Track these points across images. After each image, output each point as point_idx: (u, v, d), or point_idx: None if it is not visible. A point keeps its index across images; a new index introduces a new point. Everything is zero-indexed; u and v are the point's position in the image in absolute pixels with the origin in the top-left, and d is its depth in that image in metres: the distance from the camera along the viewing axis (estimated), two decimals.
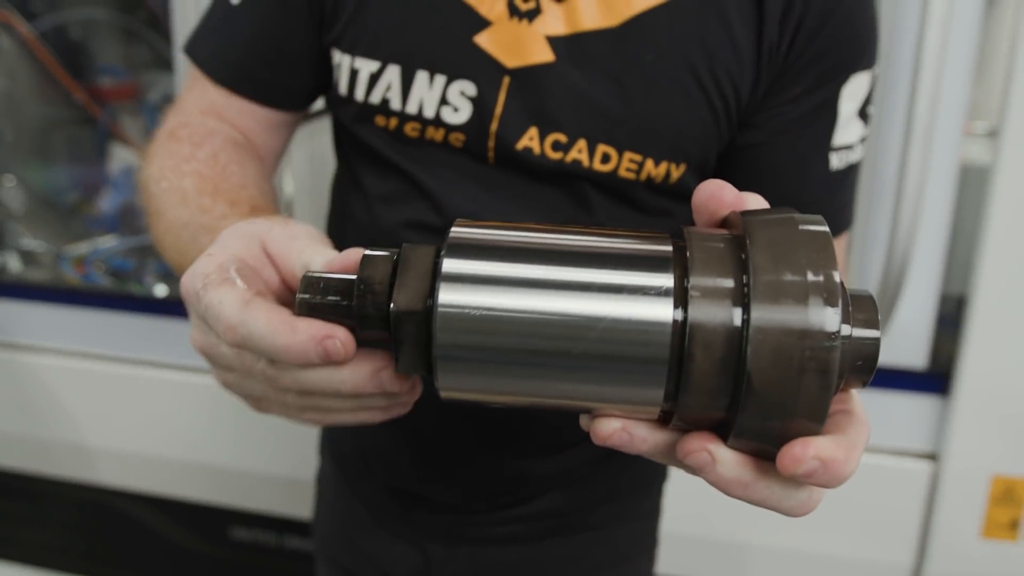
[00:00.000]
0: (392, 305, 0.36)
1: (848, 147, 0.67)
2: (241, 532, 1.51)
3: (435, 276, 0.36)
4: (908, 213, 1.08)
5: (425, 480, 0.76)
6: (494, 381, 0.35)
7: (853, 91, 0.65)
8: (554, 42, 0.61)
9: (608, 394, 0.34)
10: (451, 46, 0.62)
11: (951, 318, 1.18)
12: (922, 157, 1.06)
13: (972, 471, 1.17)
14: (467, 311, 0.34)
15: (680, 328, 0.32)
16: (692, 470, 0.35)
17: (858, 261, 1.16)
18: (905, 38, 1.08)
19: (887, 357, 1.18)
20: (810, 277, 0.31)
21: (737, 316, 0.32)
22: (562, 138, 0.62)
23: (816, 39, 0.62)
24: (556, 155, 0.63)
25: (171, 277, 1.58)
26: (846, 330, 0.33)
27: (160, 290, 1.53)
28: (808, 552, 1.26)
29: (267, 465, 1.43)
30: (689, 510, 1.31)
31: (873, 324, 0.35)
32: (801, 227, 0.33)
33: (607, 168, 0.63)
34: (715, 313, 0.32)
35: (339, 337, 0.38)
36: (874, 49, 0.66)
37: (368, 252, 0.37)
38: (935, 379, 1.18)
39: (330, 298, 0.38)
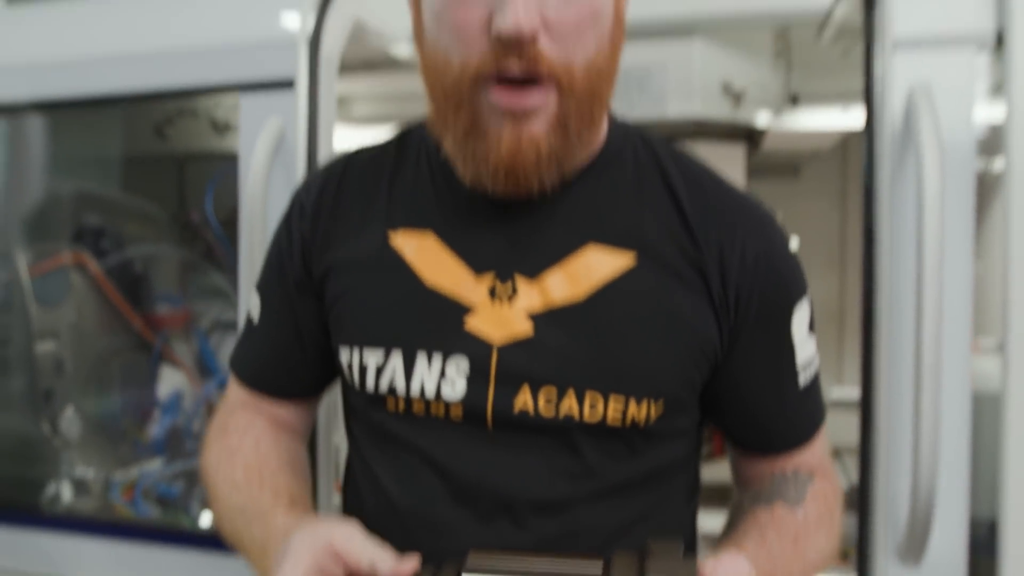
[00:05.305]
0: None
1: (809, 363, 0.80)
2: None
3: None
4: (928, 442, 1.12)
5: None
6: None
7: (799, 319, 0.78)
8: (533, 317, 0.73)
9: None
10: (445, 331, 0.74)
11: (985, 544, 1.18)
12: (934, 384, 1.11)
13: None
14: None
15: None
16: None
17: (885, 496, 1.18)
18: (905, 271, 1.16)
19: None
20: None
21: None
22: (552, 392, 0.72)
23: (754, 295, 0.75)
24: (549, 410, 0.72)
25: None
26: None
27: (206, 518, 1.57)
28: None
29: None
30: None
31: None
32: (682, 561, 0.54)
33: (595, 415, 0.72)
34: None
35: None
36: (803, 281, 0.80)
37: None
38: None
39: None
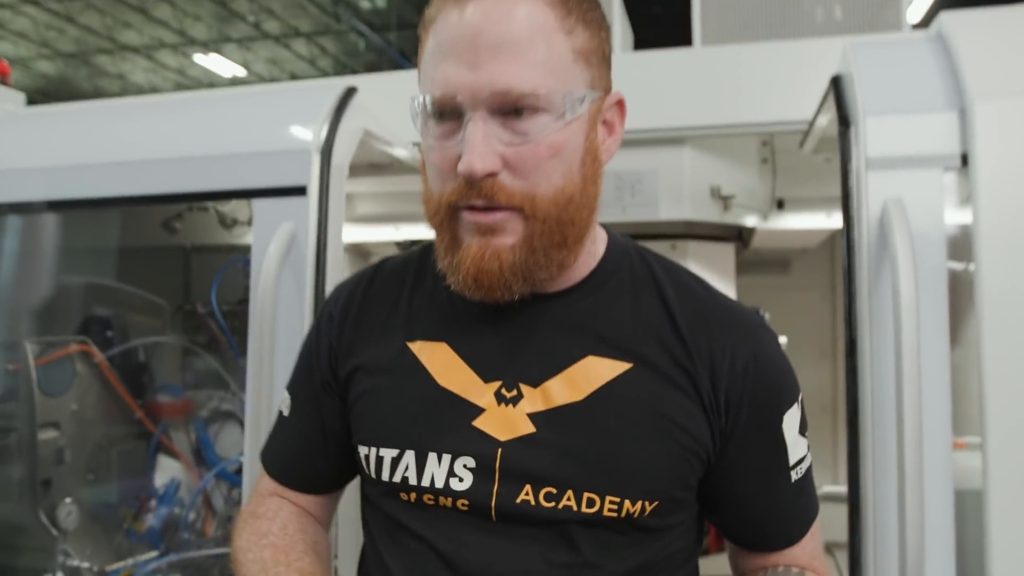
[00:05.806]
0: None
1: (801, 460, 0.85)
2: None
3: None
4: (914, 539, 1.14)
5: None
6: None
7: (790, 421, 0.83)
8: (534, 417, 0.79)
9: None
10: (455, 431, 0.80)
11: None
12: (917, 481, 1.14)
13: None
14: None
15: None
16: None
17: None
18: (886, 375, 1.21)
19: None
20: None
21: None
22: (552, 490, 0.77)
23: (744, 399, 0.80)
24: (549, 505, 0.77)
25: None
26: None
27: None
28: None
29: None
30: None
31: None
32: None
33: (592, 511, 0.77)
34: None
35: None
36: (794, 384, 0.85)
37: None
38: None
39: None
